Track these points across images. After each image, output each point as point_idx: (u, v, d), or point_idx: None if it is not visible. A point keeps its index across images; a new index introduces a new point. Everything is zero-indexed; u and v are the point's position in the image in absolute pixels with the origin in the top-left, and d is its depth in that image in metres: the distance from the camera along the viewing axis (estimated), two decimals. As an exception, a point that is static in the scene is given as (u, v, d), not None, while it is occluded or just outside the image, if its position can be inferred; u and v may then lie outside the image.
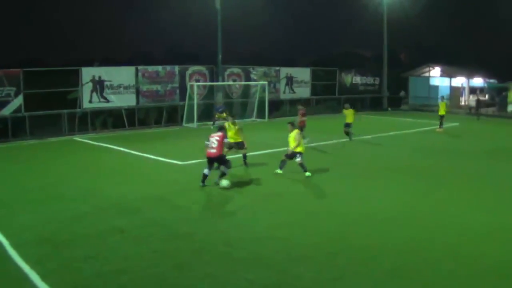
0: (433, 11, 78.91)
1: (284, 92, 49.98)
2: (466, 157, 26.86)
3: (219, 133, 19.85)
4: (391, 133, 36.76)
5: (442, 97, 43.62)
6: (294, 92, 50.78)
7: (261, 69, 48.37)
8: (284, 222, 15.20)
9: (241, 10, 58.38)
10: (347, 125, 32.44)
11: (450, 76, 65.53)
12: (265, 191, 19.00)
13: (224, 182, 19.19)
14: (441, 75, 66.54)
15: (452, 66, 67.67)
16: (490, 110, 58.15)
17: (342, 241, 13.58)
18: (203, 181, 19.40)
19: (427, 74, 67.58)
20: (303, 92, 51.90)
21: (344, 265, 12.08)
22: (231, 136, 22.64)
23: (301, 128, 27.76)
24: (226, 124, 23.25)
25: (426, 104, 59.75)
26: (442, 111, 39.10)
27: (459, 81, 66.34)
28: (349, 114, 32.38)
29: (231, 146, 22.80)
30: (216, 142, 19.30)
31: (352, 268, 11.91)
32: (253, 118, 43.99)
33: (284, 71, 50.43)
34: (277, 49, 73.14)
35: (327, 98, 54.82)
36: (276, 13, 75.88)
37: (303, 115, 31.12)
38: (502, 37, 77.53)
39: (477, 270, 11.77)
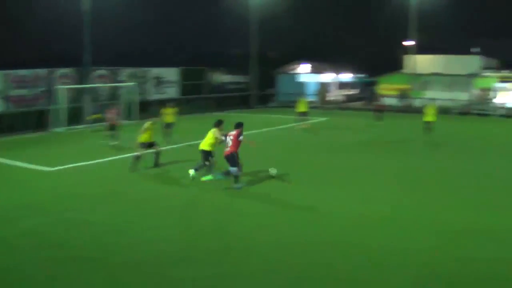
0: (302, 9, 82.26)
1: (153, 93, 50.85)
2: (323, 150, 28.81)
3: (234, 132, 20.23)
4: (262, 130, 38.38)
5: (303, 95, 46.60)
6: (163, 93, 51.70)
7: (129, 70, 48.98)
8: (159, 224, 15.76)
9: (109, 11, 58.60)
10: (168, 126, 32.03)
11: (319, 72, 68.32)
12: (139, 196, 19.28)
13: (273, 171, 21.58)
14: (310, 72, 68.90)
15: (321, 62, 70.19)
16: (359, 103, 62.68)
17: (221, 240, 14.26)
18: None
19: (295, 71, 69.81)
20: (172, 92, 53.11)
21: (225, 261, 12.79)
22: (147, 137, 23.91)
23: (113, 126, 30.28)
24: (147, 125, 24.26)
25: (294, 100, 60.39)
26: (302, 108, 40.75)
27: (328, 77, 69.19)
28: (169, 114, 32.28)
29: (145, 147, 24.10)
30: (230, 142, 19.92)
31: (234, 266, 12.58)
32: (123, 120, 43.42)
33: (153, 71, 51.44)
34: (145, 49, 73.52)
35: (196, 97, 56.09)
36: (144, 14, 76.25)
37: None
38: (370, 34, 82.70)
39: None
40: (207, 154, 21.20)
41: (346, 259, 12.99)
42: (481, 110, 55.57)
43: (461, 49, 67.26)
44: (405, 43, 65.19)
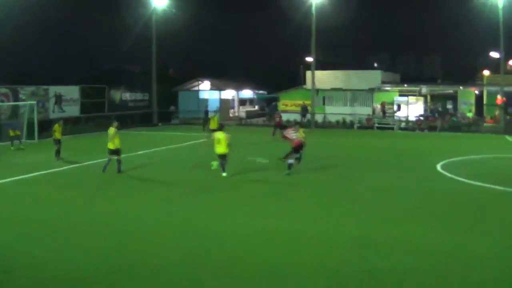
0: (201, 27, 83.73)
1: (53, 111, 50.42)
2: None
3: (293, 128, 27.60)
4: (163, 147, 38.56)
5: (214, 112, 47.26)
6: (63, 111, 51.39)
7: (29, 89, 48.35)
8: (61, 244, 15.35)
9: (7, 27, 57.92)
10: (57, 142, 32.17)
11: (220, 89, 69.46)
12: (38, 217, 18.74)
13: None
14: (211, 89, 70.10)
15: (221, 79, 72.07)
16: (261, 119, 63.18)
17: (120, 260, 13.99)
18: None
19: (196, 88, 71.06)
20: (73, 110, 52.95)
21: (126, 282, 12.60)
22: (118, 143, 26.68)
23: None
24: (113, 131, 26.73)
25: (196, 117, 62.28)
26: (213, 125, 40.75)
27: (229, 93, 70.64)
28: (57, 129, 32.29)
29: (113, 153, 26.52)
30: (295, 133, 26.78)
31: (134, 285, 12.43)
32: (23, 140, 42.08)
33: (53, 89, 51.07)
34: (45, 67, 72.82)
35: (96, 115, 55.82)
36: (43, 31, 75.59)
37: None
38: (269, 51, 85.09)
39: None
40: (225, 156, 25.35)
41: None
42: (383, 124, 56.83)
43: (362, 65, 71.03)
44: (306, 59, 66.91)
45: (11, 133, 38.60)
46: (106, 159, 27.52)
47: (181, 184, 24.58)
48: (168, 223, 17.70)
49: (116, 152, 26.90)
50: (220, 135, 25.82)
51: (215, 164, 26.11)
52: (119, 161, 26.96)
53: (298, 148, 27.12)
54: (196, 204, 20.48)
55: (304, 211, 19.30)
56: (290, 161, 26.67)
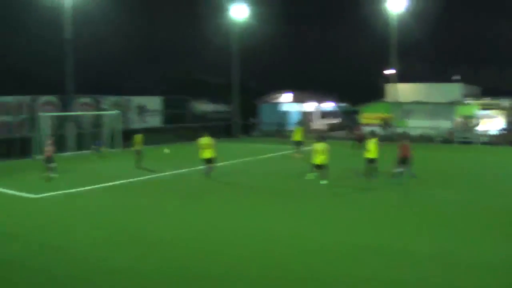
0: (283, 39, 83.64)
1: (135, 122, 50.70)
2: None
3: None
4: (244, 159, 38.21)
5: (298, 123, 45.27)
6: (145, 121, 51.76)
7: (112, 99, 48.93)
8: (139, 254, 15.25)
9: (91, 39, 58.67)
10: (137, 152, 33.74)
11: (301, 101, 68.46)
12: (124, 225, 18.90)
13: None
14: (292, 101, 69.09)
15: (302, 92, 70.38)
16: (342, 132, 61.57)
17: (195, 269, 13.84)
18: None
19: (277, 101, 69.98)
20: (155, 121, 53.22)
21: None
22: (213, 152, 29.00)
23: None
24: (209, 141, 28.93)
25: (277, 129, 62.20)
26: (297, 137, 39.97)
27: (310, 106, 69.40)
28: (138, 140, 33.85)
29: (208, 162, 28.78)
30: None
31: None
32: (105, 148, 43.35)
33: (136, 100, 51.40)
34: (128, 78, 73.38)
35: (178, 126, 55.85)
36: (127, 42, 76.30)
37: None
38: (350, 64, 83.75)
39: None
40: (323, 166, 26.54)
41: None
42: (464, 138, 55.02)
43: (442, 77, 68.03)
44: (386, 72, 65.06)
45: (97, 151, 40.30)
46: (186, 169, 30.34)
47: (270, 193, 24.65)
48: (255, 235, 17.28)
49: (210, 161, 28.84)
50: (320, 146, 26.77)
51: (311, 175, 27.16)
52: (211, 168, 28.91)
53: (403, 159, 27.58)
54: (286, 215, 20.16)
55: (384, 225, 18.71)
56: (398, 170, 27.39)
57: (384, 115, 60.15)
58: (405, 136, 30.99)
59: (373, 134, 29.36)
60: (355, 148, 40.94)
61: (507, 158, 41.31)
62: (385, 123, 59.14)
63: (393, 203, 22.80)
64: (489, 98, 60.66)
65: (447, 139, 55.42)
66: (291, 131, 43.21)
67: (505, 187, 26.69)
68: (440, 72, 76.39)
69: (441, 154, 44.71)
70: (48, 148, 29.76)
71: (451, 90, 60.93)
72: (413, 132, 55.61)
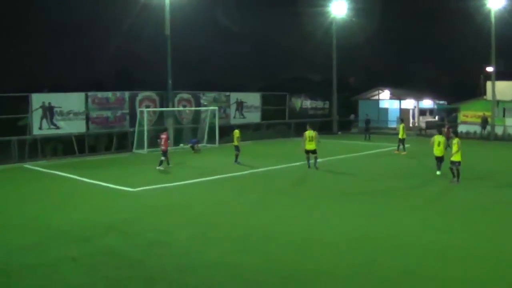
0: (380, 36, 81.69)
1: (234, 117, 50.34)
2: (418, 179, 27.01)
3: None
4: (343, 156, 37.36)
5: (401, 120, 43.71)
6: (244, 117, 51.28)
7: (211, 94, 48.65)
8: (237, 248, 15.19)
9: (189, 36, 58.72)
10: (236, 148, 33.47)
11: (399, 98, 66.97)
12: (217, 219, 18.78)
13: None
14: (390, 98, 67.90)
15: (401, 89, 69.11)
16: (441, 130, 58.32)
17: (295, 265, 13.55)
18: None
19: (376, 97, 68.97)
20: (253, 117, 52.53)
21: None
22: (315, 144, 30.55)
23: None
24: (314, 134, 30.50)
25: (376, 126, 61.13)
26: (402, 134, 39.18)
27: (408, 103, 67.78)
28: (237, 135, 33.50)
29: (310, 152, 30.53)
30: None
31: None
32: (204, 144, 43.81)
33: (234, 96, 50.88)
34: (226, 74, 73.51)
35: (277, 122, 55.49)
36: (225, 38, 76.48)
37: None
38: (449, 60, 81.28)
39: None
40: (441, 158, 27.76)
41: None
42: None
43: None
44: (487, 69, 62.83)
45: (193, 148, 40.40)
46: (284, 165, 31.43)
47: (363, 193, 23.57)
48: (343, 233, 16.82)
49: (313, 151, 30.37)
50: (439, 139, 27.91)
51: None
52: (315, 158, 30.55)
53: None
54: (378, 214, 19.43)
55: (466, 224, 18.07)
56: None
57: (483, 113, 57.89)
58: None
59: (455, 134, 27.96)
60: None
61: None
62: (484, 121, 56.95)
63: (480, 203, 21.61)
64: None
65: None
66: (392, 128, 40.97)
67: None
68: None
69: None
70: (164, 142, 30.72)
71: None
72: None
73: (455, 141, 25.60)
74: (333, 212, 19.80)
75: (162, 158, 30.44)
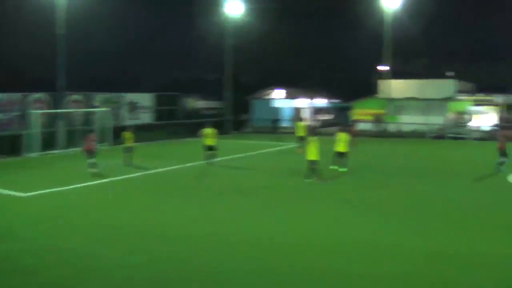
0: (276, 36, 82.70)
1: (127, 118, 50.40)
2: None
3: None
4: (238, 155, 38.12)
5: (300, 119, 45.27)
6: (138, 118, 51.48)
7: (104, 95, 48.64)
8: (133, 249, 15.56)
9: (82, 35, 58.25)
10: (128, 150, 33.46)
11: (293, 97, 68.19)
12: (113, 222, 18.99)
13: None
14: (285, 97, 68.78)
15: (295, 88, 70.24)
16: (335, 128, 59.06)
17: (190, 265, 14.12)
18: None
19: (269, 97, 69.67)
20: (146, 118, 53.08)
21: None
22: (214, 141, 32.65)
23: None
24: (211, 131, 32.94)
25: (270, 126, 62.17)
26: (301, 132, 40.34)
27: (303, 102, 68.97)
28: (129, 138, 33.39)
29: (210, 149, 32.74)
30: None
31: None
32: (97, 146, 42.77)
33: (127, 97, 51.24)
34: (120, 75, 73.07)
35: (170, 123, 55.46)
36: (118, 39, 76.01)
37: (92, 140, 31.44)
38: (344, 60, 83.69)
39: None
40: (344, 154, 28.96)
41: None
42: (456, 133, 55.37)
43: (436, 74, 68.20)
44: (379, 68, 65.52)
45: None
46: (179, 166, 31.87)
47: (252, 192, 24.48)
48: (243, 231, 17.58)
49: (212, 148, 32.58)
50: (343, 136, 29.63)
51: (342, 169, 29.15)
52: (213, 155, 32.79)
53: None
54: (274, 212, 20.23)
55: (375, 221, 18.94)
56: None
57: (376, 111, 60.30)
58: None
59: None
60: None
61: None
62: (377, 119, 59.41)
63: (381, 198, 23.18)
64: (482, 94, 60.94)
65: (439, 135, 55.54)
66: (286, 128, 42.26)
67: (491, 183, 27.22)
68: (434, 68, 76.73)
69: (431, 149, 44.93)
70: (91, 143, 30.46)
71: (445, 87, 61.51)
72: (406, 128, 57.67)
73: (313, 139, 26.94)
74: (232, 209, 20.64)
75: (91, 160, 30.01)
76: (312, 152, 26.44)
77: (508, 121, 57.72)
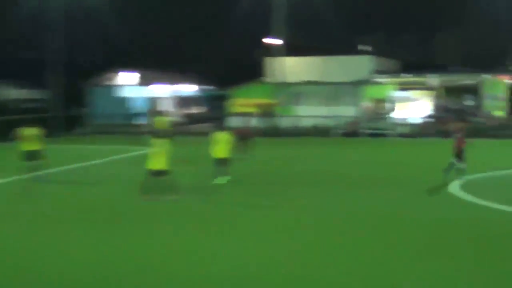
0: (125, 9, 70.16)
1: None
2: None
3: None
4: (72, 166, 31.27)
5: (158, 112, 42.17)
6: None
7: None
8: None
9: None
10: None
11: (149, 83, 58.75)
12: None
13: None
14: (138, 84, 59.06)
15: (152, 71, 60.32)
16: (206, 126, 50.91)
17: None
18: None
19: (115, 83, 59.93)
20: None
21: None
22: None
23: None
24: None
25: (115, 123, 53.24)
26: (160, 125, 36.92)
27: (163, 90, 59.82)
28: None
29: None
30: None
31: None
32: None
33: None
34: None
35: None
36: None
37: None
38: (219, 31, 71.86)
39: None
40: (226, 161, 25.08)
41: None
42: (374, 129, 47.25)
43: (347, 49, 60.32)
44: (267, 41, 55.34)
45: None
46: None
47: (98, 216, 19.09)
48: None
49: (36, 155, 25.49)
50: (223, 136, 24.55)
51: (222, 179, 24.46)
52: (39, 166, 25.95)
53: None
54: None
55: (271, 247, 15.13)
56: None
57: (264, 101, 52.21)
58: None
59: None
60: (240, 150, 31.15)
61: (432, 154, 34.09)
62: (265, 112, 51.48)
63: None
64: (410, 75, 53.27)
65: (350, 131, 47.47)
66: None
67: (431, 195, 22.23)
68: (344, 41, 66.42)
69: (341, 151, 38.36)
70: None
71: (358, 65, 52.98)
72: (305, 123, 49.85)
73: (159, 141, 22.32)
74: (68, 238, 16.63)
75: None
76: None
77: (447, 110, 50.25)
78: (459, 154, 24.21)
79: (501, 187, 23.46)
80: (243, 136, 31.93)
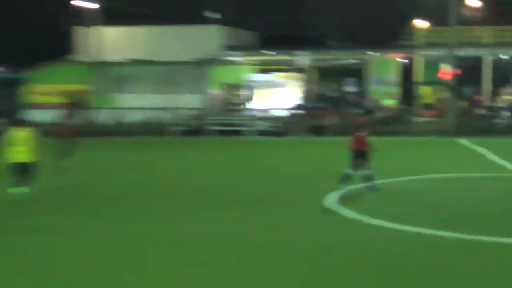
0: None
1: None
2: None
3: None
4: None
5: None
6: None
7: None
8: None
9: None
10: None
11: None
12: None
13: None
14: None
15: None
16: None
17: None
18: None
19: None
20: None
21: None
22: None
23: None
24: None
25: None
26: None
27: None
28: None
29: None
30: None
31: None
32: None
33: None
34: None
35: None
36: None
37: None
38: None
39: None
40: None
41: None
42: (226, 125, 39.13)
43: (188, 16, 48.83)
44: (77, 3, 45.07)
45: None
46: None
47: None
48: None
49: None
50: (22, 133, 18.21)
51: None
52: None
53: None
54: None
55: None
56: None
57: (73, 87, 41.17)
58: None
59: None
60: (62, 155, 23.99)
61: (301, 158, 28.64)
62: (75, 102, 35.66)
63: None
64: (274, 52, 44.93)
65: (194, 129, 38.97)
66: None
67: (302, 211, 16.69)
68: (185, 6, 51.77)
69: (180, 156, 30.29)
70: None
71: (203, 39, 43.74)
72: (132, 117, 39.81)
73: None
74: None
75: None
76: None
77: (322, 99, 43.21)
78: (360, 159, 18.49)
79: (388, 199, 18.21)
80: (64, 136, 24.52)
